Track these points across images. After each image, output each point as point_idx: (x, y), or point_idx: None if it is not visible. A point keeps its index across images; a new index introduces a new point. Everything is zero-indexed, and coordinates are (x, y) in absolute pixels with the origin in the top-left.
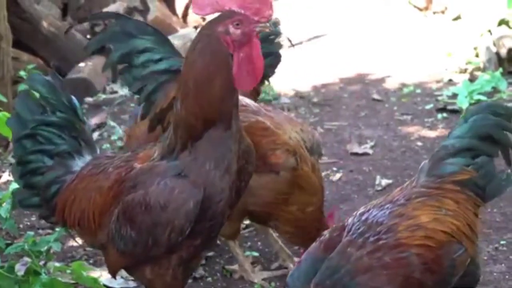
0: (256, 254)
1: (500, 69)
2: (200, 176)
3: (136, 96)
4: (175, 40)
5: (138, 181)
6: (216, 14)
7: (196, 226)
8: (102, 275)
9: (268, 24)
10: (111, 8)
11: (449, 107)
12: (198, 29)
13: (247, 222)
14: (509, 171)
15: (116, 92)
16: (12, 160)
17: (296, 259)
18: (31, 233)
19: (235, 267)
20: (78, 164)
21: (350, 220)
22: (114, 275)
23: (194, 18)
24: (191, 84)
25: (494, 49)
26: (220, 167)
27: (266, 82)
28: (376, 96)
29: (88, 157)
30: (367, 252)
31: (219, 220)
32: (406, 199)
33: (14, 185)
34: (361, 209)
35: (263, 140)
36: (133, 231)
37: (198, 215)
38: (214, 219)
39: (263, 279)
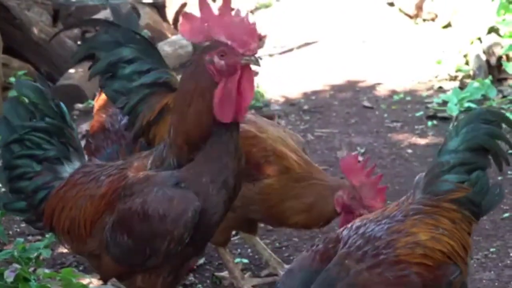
0: (246, 261)
1: (490, 77)
2: (198, 187)
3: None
4: (166, 47)
5: (135, 190)
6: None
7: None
8: (92, 282)
9: (253, 58)
10: (102, 14)
11: (439, 115)
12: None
13: None
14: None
15: None
16: None
17: (286, 266)
18: (21, 239)
19: (224, 274)
20: (67, 170)
21: (345, 232)
22: (106, 282)
23: None
24: (176, 104)
25: (484, 57)
26: (217, 181)
27: None
28: (366, 103)
29: (76, 163)
30: (368, 266)
31: (211, 230)
32: (404, 215)
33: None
34: (357, 222)
35: (253, 149)
36: (130, 240)
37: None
38: (207, 230)
39: (253, 286)
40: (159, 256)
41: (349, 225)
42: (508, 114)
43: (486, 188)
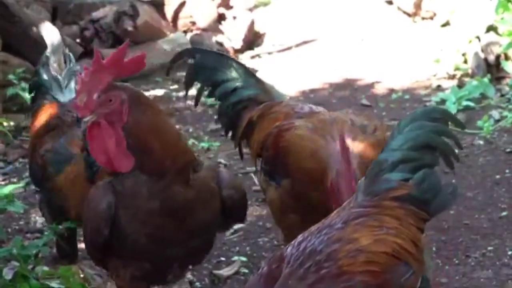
0: (244, 259)
1: (488, 75)
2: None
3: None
4: (165, 45)
5: None
6: None
7: (123, 250)
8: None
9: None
10: (101, 12)
11: None
12: (188, 34)
13: (235, 227)
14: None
15: None
16: (1, 164)
17: None
18: (19, 237)
19: (223, 271)
20: None
21: (289, 249)
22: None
23: (183, 22)
24: None
25: (482, 55)
26: (128, 212)
27: None
28: (365, 102)
29: None
30: (310, 283)
31: (161, 256)
32: (344, 221)
33: (8, 189)
34: (299, 238)
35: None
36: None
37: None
38: (146, 254)
39: None
40: (87, 244)
41: (292, 242)
42: (506, 113)
43: (436, 186)
